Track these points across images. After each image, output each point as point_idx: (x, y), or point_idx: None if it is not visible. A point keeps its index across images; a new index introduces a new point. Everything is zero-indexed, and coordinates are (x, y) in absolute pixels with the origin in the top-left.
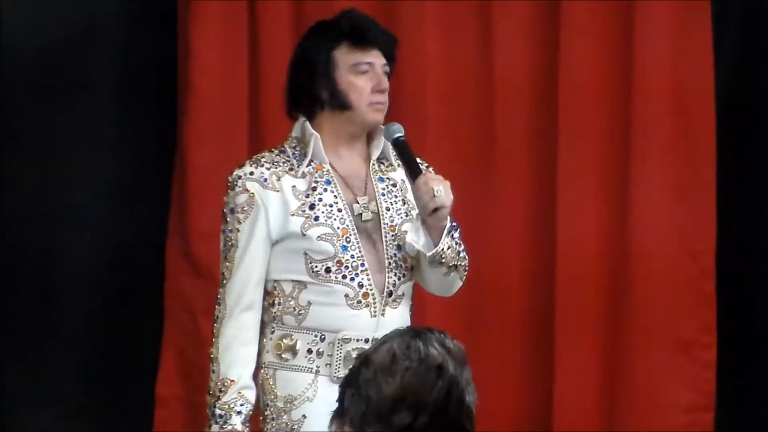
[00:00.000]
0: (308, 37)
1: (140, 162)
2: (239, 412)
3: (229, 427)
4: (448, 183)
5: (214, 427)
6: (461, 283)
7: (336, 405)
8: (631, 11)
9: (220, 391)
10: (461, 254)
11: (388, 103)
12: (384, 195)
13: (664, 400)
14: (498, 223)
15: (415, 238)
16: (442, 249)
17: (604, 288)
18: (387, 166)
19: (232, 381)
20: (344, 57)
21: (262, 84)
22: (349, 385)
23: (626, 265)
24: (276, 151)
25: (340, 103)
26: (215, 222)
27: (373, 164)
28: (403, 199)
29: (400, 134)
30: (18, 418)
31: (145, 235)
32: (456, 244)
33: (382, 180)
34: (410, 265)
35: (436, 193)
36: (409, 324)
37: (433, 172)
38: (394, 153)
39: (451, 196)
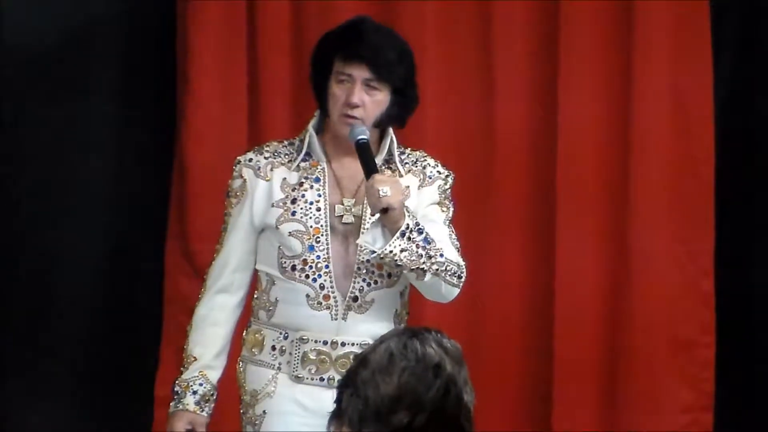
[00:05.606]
0: (321, 38)
1: (139, 163)
2: (195, 392)
3: (181, 407)
4: (399, 184)
5: (171, 404)
6: (456, 290)
7: (320, 404)
8: (630, 13)
9: (183, 367)
10: (433, 258)
11: (366, 117)
12: None
13: (664, 400)
14: (497, 230)
15: (369, 240)
16: (391, 251)
17: (603, 289)
18: (392, 173)
19: (195, 358)
20: (335, 65)
21: (261, 85)
22: (346, 386)
23: (625, 265)
24: (285, 142)
25: (324, 109)
26: (214, 223)
27: None
28: None
29: (364, 137)
30: (17, 419)
31: (144, 236)
32: (417, 247)
33: None
34: (386, 272)
35: (381, 194)
36: (383, 331)
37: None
38: (399, 158)
39: (400, 197)
